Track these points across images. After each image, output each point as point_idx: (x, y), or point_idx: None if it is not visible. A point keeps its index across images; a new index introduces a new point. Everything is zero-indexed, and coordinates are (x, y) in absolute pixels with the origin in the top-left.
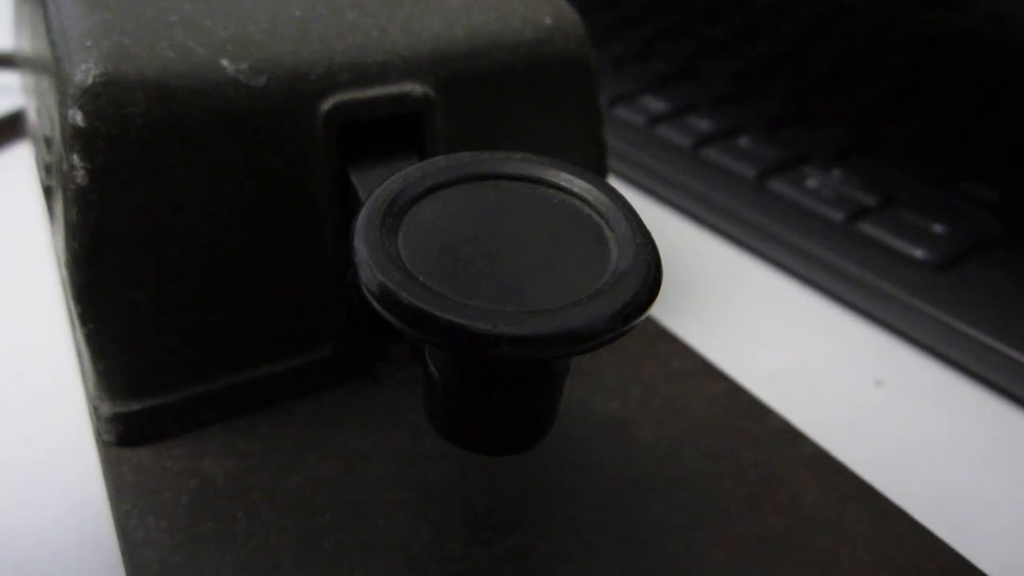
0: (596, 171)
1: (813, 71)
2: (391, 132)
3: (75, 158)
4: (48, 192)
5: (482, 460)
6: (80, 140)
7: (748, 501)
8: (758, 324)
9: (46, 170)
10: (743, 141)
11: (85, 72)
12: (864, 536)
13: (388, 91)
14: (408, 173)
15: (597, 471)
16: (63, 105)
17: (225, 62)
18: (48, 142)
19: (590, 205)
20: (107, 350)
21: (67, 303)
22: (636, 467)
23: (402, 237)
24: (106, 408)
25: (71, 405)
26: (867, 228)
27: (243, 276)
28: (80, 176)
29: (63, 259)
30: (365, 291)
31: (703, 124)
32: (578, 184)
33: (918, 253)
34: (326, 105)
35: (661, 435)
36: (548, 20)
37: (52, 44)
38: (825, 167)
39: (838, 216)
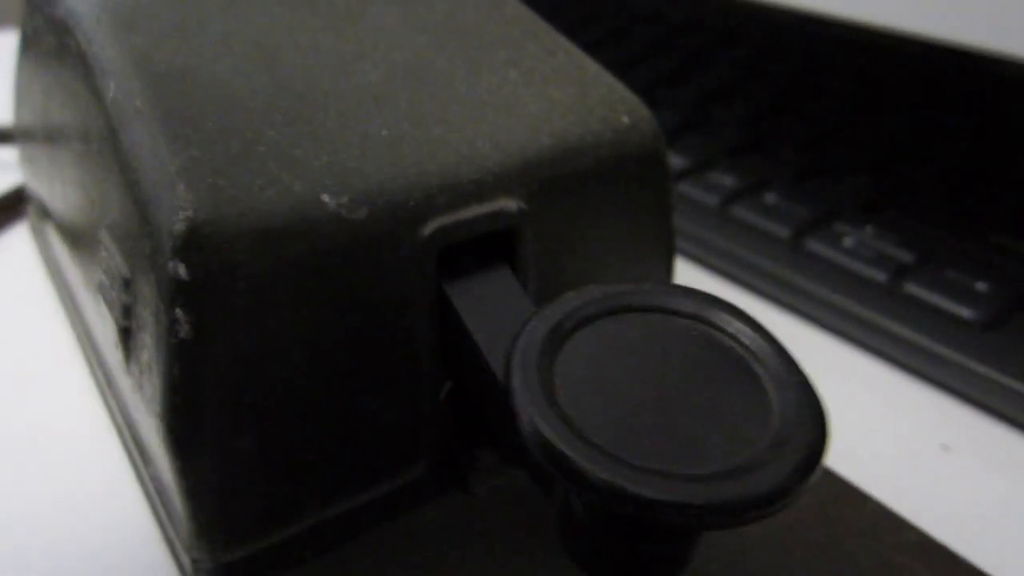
0: (666, 257)
1: (825, 114)
2: (481, 242)
3: (179, 312)
4: (127, 333)
5: None
6: (184, 294)
7: None
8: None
9: (123, 311)
10: (770, 197)
11: (185, 221)
12: None
13: (484, 210)
14: (548, 315)
15: (713, 573)
16: (159, 255)
17: (326, 197)
18: (127, 283)
19: (738, 341)
20: (208, 501)
21: (130, 446)
22: (752, 567)
23: (558, 379)
24: (207, 560)
25: (148, 558)
26: (912, 288)
27: (342, 408)
28: (185, 331)
29: (156, 410)
30: (534, 450)
31: (727, 180)
32: (724, 319)
33: (965, 313)
34: (426, 231)
35: (767, 530)
36: (625, 119)
37: (133, 184)
38: (857, 223)
39: (881, 276)
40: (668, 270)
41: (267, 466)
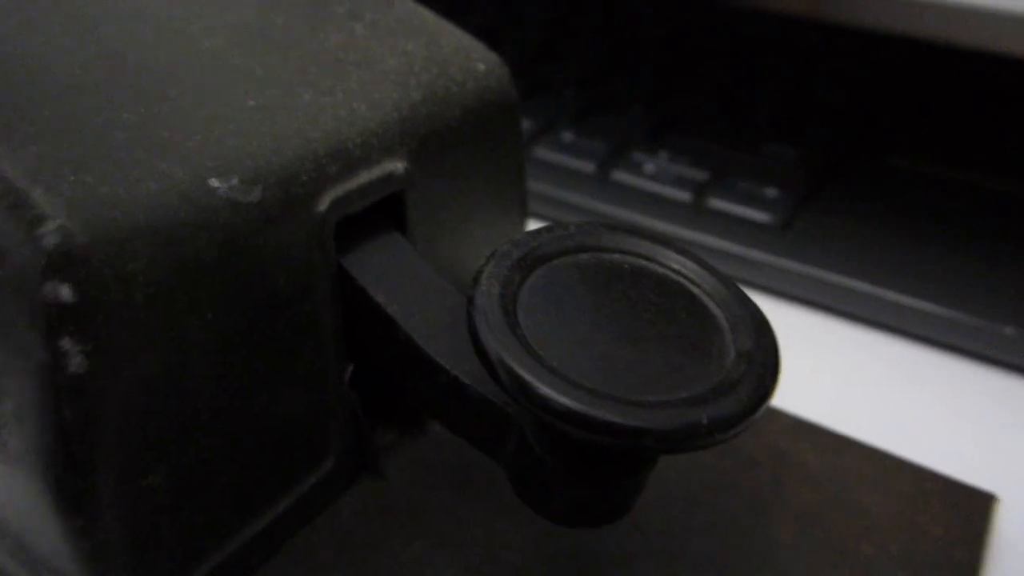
0: (520, 205)
1: (589, 54)
2: (368, 210)
3: (66, 342)
4: None
5: (548, 533)
6: (72, 319)
7: (774, 482)
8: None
9: None
10: (566, 136)
11: (58, 232)
12: (870, 483)
13: (374, 175)
14: (495, 272)
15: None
16: (25, 279)
17: (215, 182)
18: None
19: (670, 268)
20: (116, 559)
21: None
22: (667, 473)
23: (525, 331)
24: None
25: None
26: (714, 203)
27: (253, 414)
28: (76, 363)
29: (36, 467)
30: (526, 402)
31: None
32: (652, 249)
33: (763, 217)
34: (323, 204)
35: None
36: (481, 66)
37: None
38: (651, 150)
39: (685, 196)
40: (525, 216)
41: (180, 500)
